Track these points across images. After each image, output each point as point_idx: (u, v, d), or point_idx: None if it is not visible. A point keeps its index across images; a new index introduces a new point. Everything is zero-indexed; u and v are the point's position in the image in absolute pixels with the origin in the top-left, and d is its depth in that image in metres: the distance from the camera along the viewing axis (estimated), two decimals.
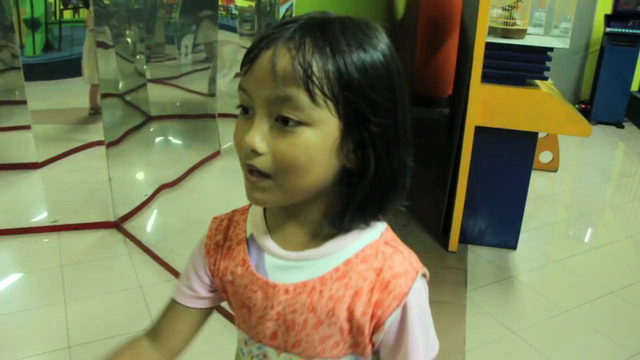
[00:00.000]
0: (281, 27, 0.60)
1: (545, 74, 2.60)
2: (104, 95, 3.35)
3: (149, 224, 3.13)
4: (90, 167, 3.64)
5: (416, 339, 0.65)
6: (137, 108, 4.10)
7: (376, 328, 0.64)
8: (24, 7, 4.97)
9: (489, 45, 2.53)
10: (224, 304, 0.79)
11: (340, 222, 0.65)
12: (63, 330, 2.20)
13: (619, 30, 5.20)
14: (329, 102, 0.58)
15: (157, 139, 4.17)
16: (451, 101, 4.69)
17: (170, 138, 4.27)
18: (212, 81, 4.12)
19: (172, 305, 0.80)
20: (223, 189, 3.45)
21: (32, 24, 7.17)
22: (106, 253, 2.81)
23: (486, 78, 2.57)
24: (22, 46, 4.90)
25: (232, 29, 4.58)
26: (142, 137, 3.92)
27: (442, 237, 2.94)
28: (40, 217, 3.17)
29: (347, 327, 0.65)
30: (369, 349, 0.66)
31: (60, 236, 2.93)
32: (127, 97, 3.98)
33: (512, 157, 2.79)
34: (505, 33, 2.72)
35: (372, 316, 0.64)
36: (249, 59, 0.61)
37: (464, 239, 2.91)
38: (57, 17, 7.99)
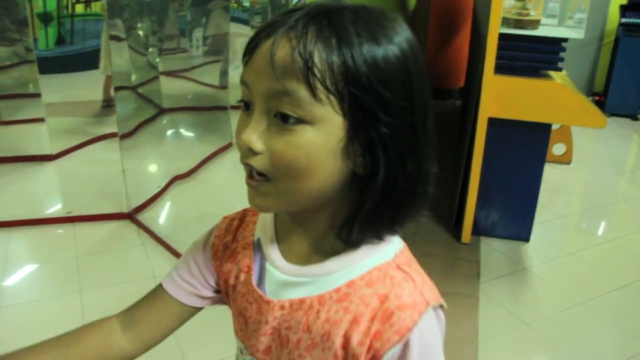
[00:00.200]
0: (286, 14, 0.55)
1: (559, 65, 2.58)
2: (117, 88, 3.37)
3: (162, 215, 3.16)
4: (103, 159, 3.68)
5: None
6: (150, 100, 4.13)
7: None
8: (37, 1, 5.00)
9: (502, 36, 2.51)
10: None
11: (348, 235, 0.58)
12: (79, 319, 2.20)
13: (635, 20, 5.13)
14: (332, 98, 0.53)
15: (170, 131, 4.19)
16: (463, 93, 4.66)
17: (183, 130, 4.29)
18: (224, 73, 4.13)
19: (162, 296, 0.73)
20: (235, 181, 3.44)
21: (45, 18, 7.22)
22: (120, 244, 2.84)
23: (499, 69, 2.56)
24: (35, 40, 4.94)
25: (244, 22, 4.58)
26: (154, 130, 3.94)
27: (455, 229, 2.93)
28: (55, 209, 3.20)
29: (341, 355, 0.58)
30: None
31: (75, 227, 2.96)
32: (140, 90, 4.01)
33: (525, 149, 2.77)
34: (519, 24, 2.70)
35: (369, 347, 0.56)
36: (249, 49, 0.56)
37: (477, 230, 2.90)
38: (70, 10, 8.03)
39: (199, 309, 0.74)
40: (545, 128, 2.75)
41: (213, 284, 0.73)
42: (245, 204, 0.64)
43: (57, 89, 4.77)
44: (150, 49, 4.10)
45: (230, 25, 3.98)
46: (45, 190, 3.50)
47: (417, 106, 0.56)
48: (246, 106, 0.58)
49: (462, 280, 2.56)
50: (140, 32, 4.06)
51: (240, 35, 4.16)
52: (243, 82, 0.57)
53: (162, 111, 4.15)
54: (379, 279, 0.58)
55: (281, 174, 0.55)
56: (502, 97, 2.58)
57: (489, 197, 2.85)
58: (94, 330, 0.73)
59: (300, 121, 0.53)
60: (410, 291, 0.57)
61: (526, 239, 2.94)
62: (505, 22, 2.68)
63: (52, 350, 0.70)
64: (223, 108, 4.12)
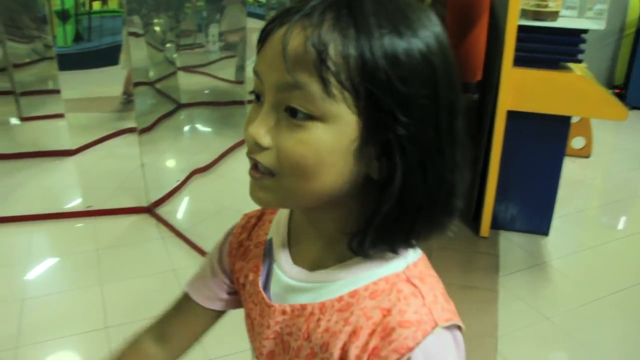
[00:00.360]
0: (303, 1, 0.51)
1: (579, 57, 2.55)
2: (136, 84, 3.40)
3: (180, 209, 3.18)
4: (122, 153, 3.71)
5: None
6: (168, 96, 4.16)
7: None
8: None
9: (520, 28, 2.49)
10: None
11: (360, 246, 0.54)
12: (100, 312, 2.25)
13: None
14: (346, 95, 0.48)
15: (188, 126, 4.23)
16: (481, 86, 4.63)
17: (200, 125, 4.32)
18: (240, 68, 4.15)
19: (189, 305, 0.73)
20: None
21: (63, 16, 7.30)
22: (139, 237, 2.86)
23: (518, 62, 2.53)
24: (54, 37, 4.99)
25: (260, 17, 4.60)
26: (173, 124, 3.98)
27: (474, 222, 2.92)
28: (75, 203, 3.25)
29: None
30: None
31: (95, 221, 2.99)
32: (158, 85, 4.04)
33: (544, 142, 2.75)
34: (538, 15, 2.67)
35: None
36: (262, 37, 0.53)
37: (496, 224, 2.88)
38: (87, 8, 8.11)
39: (224, 312, 0.74)
40: (564, 121, 2.72)
41: (228, 282, 0.72)
42: None
43: (76, 85, 4.82)
44: (168, 45, 4.14)
45: (246, 20, 4.00)
46: (66, 185, 3.54)
47: (442, 107, 0.51)
48: (257, 97, 0.54)
49: (481, 273, 2.55)
50: (158, 28, 4.09)
51: (256, 31, 4.12)
52: (255, 72, 0.54)
53: (180, 106, 4.18)
54: (384, 291, 0.54)
55: (287, 172, 0.52)
56: (521, 89, 2.56)
57: (507, 191, 2.83)
58: (132, 354, 0.73)
59: (311, 117, 0.49)
60: (417, 308, 0.52)
61: (545, 232, 2.92)
62: (524, 14, 2.65)
63: None
64: (240, 103, 4.14)
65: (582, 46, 2.53)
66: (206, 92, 4.42)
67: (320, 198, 0.53)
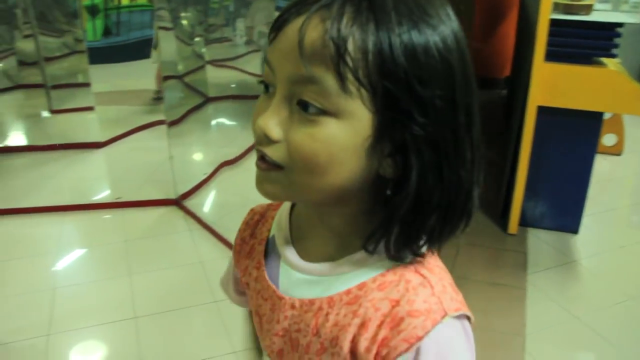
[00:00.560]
0: None
1: (613, 51, 2.50)
2: (166, 77, 3.43)
3: (208, 202, 3.21)
4: (151, 146, 3.75)
5: None
6: (196, 89, 4.20)
7: None
8: None
9: (553, 22, 2.44)
10: None
11: (375, 247, 0.53)
12: (129, 302, 2.28)
13: None
14: (362, 91, 0.47)
15: (216, 120, 4.25)
16: (510, 82, 4.57)
17: (228, 118, 4.35)
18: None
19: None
20: None
21: (92, 10, 7.41)
22: (167, 229, 2.90)
23: (550, 56, 2.49)
24: (84, 31, 5.06)
25: None
26: (200, 118, 4.01)
27: (502, 219, 2.88)
28: (104, 194, 3.30)
29: None
30: None
31: (123, 212, 3.04)
32: (186, 79, 4.08)
33: (575, 139, 2.70)
34: (570, 9, 2.63)
35: (377, 355, 0.52)
36: (276, 26, 0.51)
37: (524, 221, 2.84)
38: (116, 2, 8.21)
39: None
40: (596, 117, 2.67)
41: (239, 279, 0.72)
42: None
43: (106, 78, 4.89)
44: (197, 39, 4.17)
45: (275, 14, 4.00)
46: (95, 177, 3.60)
47: (460, 107, 0.50)
48: (266, 88, 0.53)
49: (508, 271, 2.52)
50: (185, 22, 4.13)
51: None
52: (267, 61, 0.52)
53: (208, 100, 4.22)
54: (392, 282, 0.53)
55: (297, 167, 0.50)
56: (552, 84, 2.52)
57: (537, 188, 2.79)
58: None
59: (324, 112, 0.48)
60: (426, 298, 0.52)
61: (575, 231, 2.87)
62: (556, 7, 2.61)
63: None
64: None
65: (617, 40, 2.48)
66: (233, 85, 4.44)
67: (330, 194, 0.53)
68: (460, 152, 0.51)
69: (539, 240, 2.80)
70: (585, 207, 2.83)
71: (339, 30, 0.46)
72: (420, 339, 0.50)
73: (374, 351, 0.51)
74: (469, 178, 0.52)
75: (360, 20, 0.47)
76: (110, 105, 4.59)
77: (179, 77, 3.90)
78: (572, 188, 2.80)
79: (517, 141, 2.68)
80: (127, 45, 6.78)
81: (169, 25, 3.53)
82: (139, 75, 5.05)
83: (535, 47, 2.46)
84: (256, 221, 0.69)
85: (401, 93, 0.47)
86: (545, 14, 2.40)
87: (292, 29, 0.49)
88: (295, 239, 0.61)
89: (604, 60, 2.55)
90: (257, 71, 4.26)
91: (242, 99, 4.36)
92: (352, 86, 0.47)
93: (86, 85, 4.31)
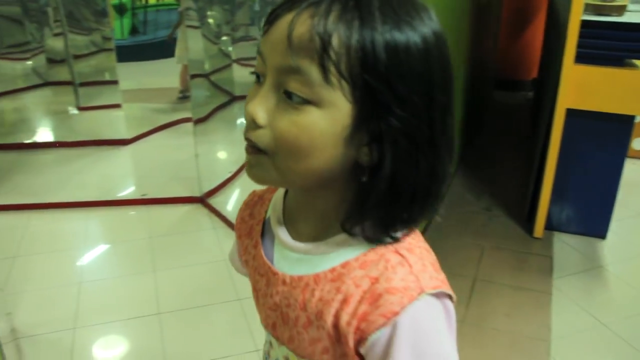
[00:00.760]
0: None
1: None
2: (193, 76, 3.46)
3: (232, 200, 3.22)
4: (176, 144, 3.79)
5: None
6: (222, 88, 4.22)
7: (360, 342, 0.56)
8: None
9: (583, 24, 2.40)
10: None
11: (353, 228, 0.57)
12: (153, 298, 2.31)
13: None
14: (343, 84, 0.51)
15: (241, 118, 4.27)
16: (536, 84, 4.51)
17: None
18: None
19: None
20: None
21: (120, 9, 7.50)
22: (192, 227, 2.92)
23: (580, 58, 2.45)
24: (113, 29, 5.13)
25: None
26: (226, 116, 4.03)
27: (527, 223, 2.84)
28: (129, 191, 3.34)
29: (333, 334, 0.58)
30: None
31: (148, 209, 3.07)
32: (213, 78, 4.10)
33: (604, 142, 2.65)
34: (602, 10, 2.58)
35: (356, 329, 0.55)
36: (269, 20, 0.54)
37: (550, 225, 2.80)
38: (143, 1, 8.29)
39: None
40: (627, 120, 2.62)
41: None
42: None
43: (133, 76, 4.96)
44: (224, 38, 4.19)
45: None
46: (121, 174, 3.65)
47: (436, 103, 0.53)
48: (258, 78, 0.56)
49: (534, 275, 2.49)
50: (212, 21, 4.15)
51: None
52: (259, 52, 0.56)
53: (234, 98, 4.24)
54: (373, 261, 0.57)
55: (281, 151, 0.54)
56: (582, 87, 2.48)
57: (564, 192, 2.74)
58: None
59: (307, 101, 0.51)
60: (404, 276, 0.55)
61: (602, 236, 2.82)
62: (587, 8, 2.56)
63: None
64: None
65: None
66: None
67: (312, 179, 0.56)
68: (434, 144, 0.54)
69: (565, 245, 2.76)
70: (613, 212, 2.78)
71: (325, 26, 0.50)
72: (396, 314, 0.53)
73: (354, 325, 0.55)
74: (442, 169, 0.56)
75: (346, 18, 0.50)
76: (136, 102, 4.65)
77: (206, 76, 3.93)
78: (600, 192, 2.75)
79: (545, 144, 2.65)
80: (154, 43, 6.86)
81: (196, 24, 3.56)
82: (165, 74, 5.11)
83: (565, 48, 2.42)
84: (255, 202, 0.73)
85: (380, 87, 0.50)
86: (577, 15, 2.36)
87: (283, 23, 0.52)
88: (288, 221, 0.65)
89: (636, 62, 2.51)
90: None
91: None
92: (334, 78, 0.50)
93: (113, 82, 4.37)
